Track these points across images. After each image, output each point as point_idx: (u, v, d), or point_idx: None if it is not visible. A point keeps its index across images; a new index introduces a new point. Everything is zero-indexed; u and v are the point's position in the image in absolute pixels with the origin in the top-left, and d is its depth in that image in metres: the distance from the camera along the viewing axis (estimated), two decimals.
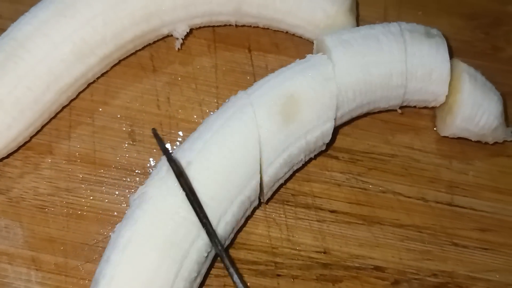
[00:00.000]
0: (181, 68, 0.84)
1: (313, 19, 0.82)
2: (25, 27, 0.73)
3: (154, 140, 0.79)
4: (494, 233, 0.79)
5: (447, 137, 0.82)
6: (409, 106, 0.82)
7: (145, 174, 0.78)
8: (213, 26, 0.86)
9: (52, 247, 0.73)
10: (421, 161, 0.82)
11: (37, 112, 0.73)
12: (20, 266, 0.72)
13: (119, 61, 0.82)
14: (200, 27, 0.85)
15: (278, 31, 0.86)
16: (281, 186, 0.77)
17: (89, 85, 0.80)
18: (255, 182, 0.68)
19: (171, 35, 0.82)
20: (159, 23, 0.79)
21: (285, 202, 0.78)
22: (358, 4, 0.88)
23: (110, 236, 0.65)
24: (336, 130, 0.79)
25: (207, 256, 0.66)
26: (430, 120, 0.85)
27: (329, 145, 0.77)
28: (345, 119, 0.77)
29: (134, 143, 0.79)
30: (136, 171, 0.78)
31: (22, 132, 0.73)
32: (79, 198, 0.75)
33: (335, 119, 0.73)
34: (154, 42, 0.84)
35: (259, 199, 0.74)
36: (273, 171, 0.70)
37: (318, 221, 0.77)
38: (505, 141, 0.82)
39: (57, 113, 0.79)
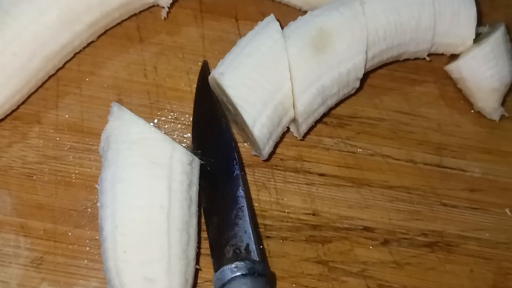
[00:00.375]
0: (168, 38, 0.84)
1: None
2: None
3: (141, 109, 0.80)
4: (484, 192, 0.79)
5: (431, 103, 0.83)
6: (437, 54, 0.83)
7: None
8: None
9: (40, 214, 0.73)
10: (409, 124, 0.82)
11: (24, 78, 0.73)
12: (9, 233, 0.71)
13: (106, 32, 0.82)
14: None
15: None
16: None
17: (75, 55, 0.80)
18: (286, 88, 0.71)
19: (157, 5, 0.83)
20: None
21: (274, 167, 0.78)
22: None
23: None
24: None
25: (192, 165, 0.68)
26: (418, 85, 0.85)
27: None
28: (376, 61, 0.78)
29: None
30: None
31: (9, 99, 0.73)
32: (67, 166, 0.75)
33: (366, 59, 0.75)
34: (140, 13, 0.84)
35: (291, 132, 0.79)
36: (306, 100, 0.72)
37: (307, 184, 0.77)
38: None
39: (44, 83, 0.78)
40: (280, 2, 0.86)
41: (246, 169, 0.77)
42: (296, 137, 0.79)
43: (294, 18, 0.83)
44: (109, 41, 0.83)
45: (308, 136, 0.80)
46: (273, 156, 0.78)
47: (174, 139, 0.76)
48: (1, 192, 0.74)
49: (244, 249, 0.65)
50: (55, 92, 0.80)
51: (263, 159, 0.75)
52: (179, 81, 0.82)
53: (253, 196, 0.76)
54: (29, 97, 0.77)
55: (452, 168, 0.80)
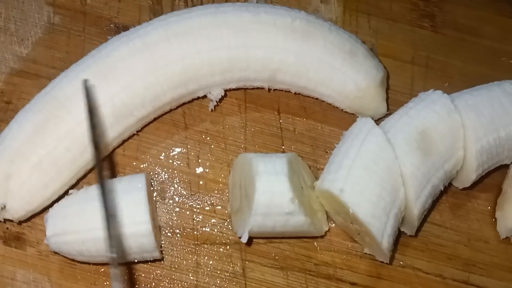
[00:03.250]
0: (211, 127, 0.86)
1: (344, 91, 0.83)
2: (67, 87, 0.74)
3: (182, 200, 0.81)
4: None
5: (462, 216, 0.86)
6: None
7: (172, 231, 0.79)
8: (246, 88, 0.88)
9: None
10: (440, 237, 0.84)
11: (74, 171, 0.75)
12: None
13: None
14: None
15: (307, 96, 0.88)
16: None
17: (123, 140, 0.82)
18: (401, 194, 0.75)
19: (205, 96, 0.84)
20: (196, 87, 0.80)
21: (307, 272, 0.80)
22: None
23: None
24: None
25: None
26: (451, 196, 0.87)
27: None
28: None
29: (164, 200, 0.81)
30: (166, 229, 0.79)
31: (58, 190, 0.74)
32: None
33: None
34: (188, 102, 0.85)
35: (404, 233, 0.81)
36: (421, 203, 0.76)
37: None
38: None
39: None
40: (322, 101, 0.88)
41: (279, 271, 0.79)
42: (330, 241, 0.81)
43: (335, 116, 0.87)
44: (155, 126, 0.84)
45: (341, 241, 0.82)
46: (307, 260, 0.80)
47: (209, 233, 0.78)
48: (42, 278, 0.75)
49: None
50: None
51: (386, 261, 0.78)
52: (220, 172, 0.84)
53: None
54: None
55: (479, 286, 0.82)
